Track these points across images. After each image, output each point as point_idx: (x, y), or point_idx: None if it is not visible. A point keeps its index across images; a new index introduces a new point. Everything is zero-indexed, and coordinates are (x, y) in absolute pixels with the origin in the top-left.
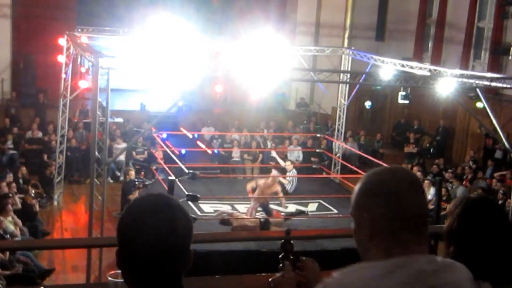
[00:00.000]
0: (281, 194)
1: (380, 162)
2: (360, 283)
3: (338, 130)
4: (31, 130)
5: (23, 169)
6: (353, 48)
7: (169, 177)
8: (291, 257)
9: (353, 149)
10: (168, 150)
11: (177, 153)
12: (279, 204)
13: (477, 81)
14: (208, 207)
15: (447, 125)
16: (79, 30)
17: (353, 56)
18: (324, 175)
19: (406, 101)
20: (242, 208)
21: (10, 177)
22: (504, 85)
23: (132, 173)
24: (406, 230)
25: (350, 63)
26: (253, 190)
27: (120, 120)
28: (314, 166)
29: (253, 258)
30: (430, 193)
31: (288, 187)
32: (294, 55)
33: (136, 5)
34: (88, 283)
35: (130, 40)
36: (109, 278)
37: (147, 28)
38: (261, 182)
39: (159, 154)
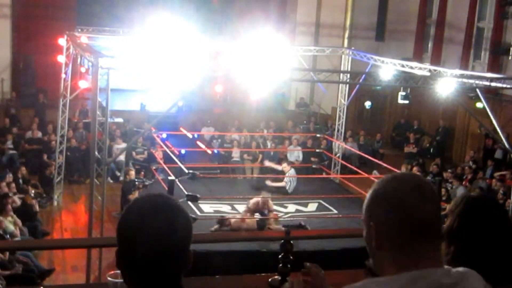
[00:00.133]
0: (272, 214)
1: (380, 162)
2: None
3: (338, 130)
4: (31, 130)
5: (23, 169)
6: (353, 48)
7: (169, 177)
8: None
9: (353, 149)
10: (168, 150)
11: (177, 153)
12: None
13: (477, 81)
14: (208, 207)
15: (447, 125)
16: (79, 30)
17: (353, 56)
18: (324, 175)
19: (406, 101)
20: (242, 208)
21: (10, 177)
22: (504, 85)
23: (132, 173)
24: (415, 240)
25: (350, 63)
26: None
27: (120, 120)
28: (314, 166)
29: (253, 258)
30: None
31: (287, 187)
32: (294, 55)
33: (136, 5)
34: (88, 283)
35: (130, 40)
36: (109, 278)
37: (147, 28)
38: (252, 201)
39: (159, 154)
